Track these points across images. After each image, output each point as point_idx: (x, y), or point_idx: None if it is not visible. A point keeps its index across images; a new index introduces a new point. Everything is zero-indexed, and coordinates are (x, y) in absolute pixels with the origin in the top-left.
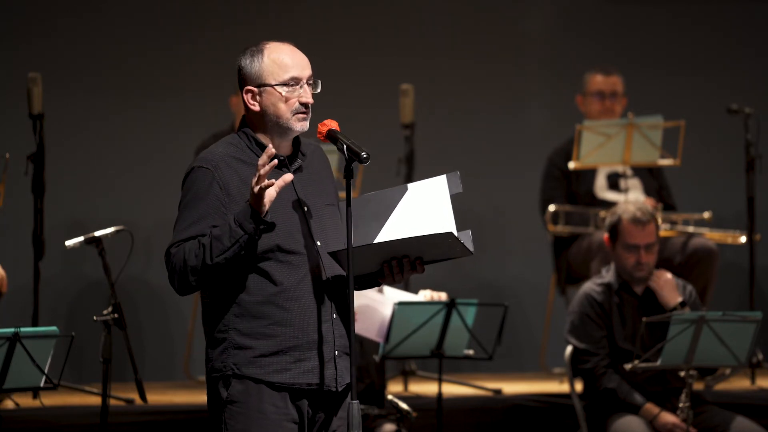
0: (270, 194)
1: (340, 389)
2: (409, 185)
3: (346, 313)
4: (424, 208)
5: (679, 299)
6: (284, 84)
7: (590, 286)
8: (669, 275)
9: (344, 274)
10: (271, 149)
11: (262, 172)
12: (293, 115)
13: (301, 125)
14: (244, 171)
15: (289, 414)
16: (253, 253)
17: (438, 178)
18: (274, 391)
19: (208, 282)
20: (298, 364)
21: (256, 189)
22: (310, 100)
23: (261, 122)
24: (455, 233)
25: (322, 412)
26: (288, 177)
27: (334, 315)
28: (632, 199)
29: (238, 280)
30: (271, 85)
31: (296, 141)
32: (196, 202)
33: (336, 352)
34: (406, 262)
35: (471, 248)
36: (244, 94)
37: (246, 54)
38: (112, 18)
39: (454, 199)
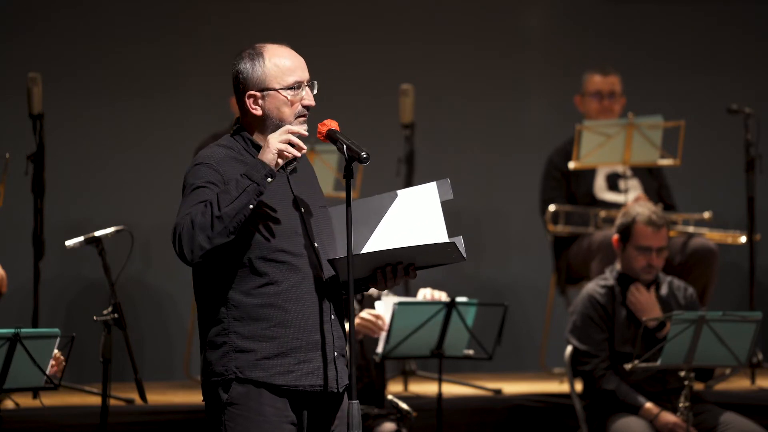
0: (289, 150)
1: (340, 390)
2: (399, 192)
3: (343, 315)
4: (415, 216)
5: (653, 317)
6: (289, 88)
7: (593, 288)
8: (647, 293)
9: (339, 276)
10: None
11: (296, 132)
12: (296, 118)
13: (302, 127)
14: (241, 170)
15: (289, 416)
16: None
17: (428, 185)
18: (274, 394)
19: (216, 242)
20: (300, 365)
21: (281, 139)
22: (313, 103)
23: (261, 125)
24: (455, 242)
25: (321, 413)
26: (304, 131)
27: (333, 316)
28: (632, 199)
29: (236, 281)
30: (276, 89)
31: None
32: (201, 189)
33: (336, 353)
34: (400, 268)
35: (464, 254)
36: (246, 99)
37: (244, 58)
38: (112, 18)
39: (453, 200)
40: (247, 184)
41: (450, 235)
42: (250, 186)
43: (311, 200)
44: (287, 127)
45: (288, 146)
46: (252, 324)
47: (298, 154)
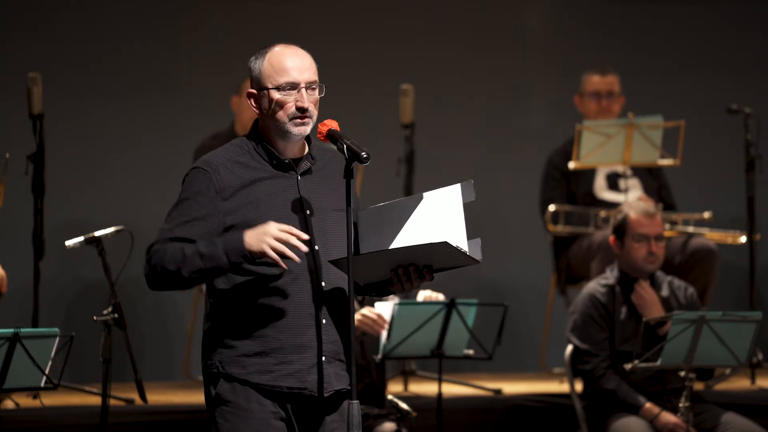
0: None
1: (326, 395)
2: (425, 194)
3: (343, 319)
4: (437, 217)
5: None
6: (279, 88)
7: (595, 287)
8: (652, 292)
9: (345, 279)
10: (302, 235)
11: (291, 239)
12: (290, 119)
13: (298, 130)
14: (244, 173)
15: (277, 412)
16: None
17: (452, 186)
18: (258, 392)
19: (183, 287)
20: (280, 366)
21: (276, 236)
22: (305, 105)
23: (265, 125)
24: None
25: (309, 415)
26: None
27: (324, 320)
28: (632, 199)
29: (228, 278)
30: (268, 89)
31: (310, 144)
32: (189, 203)
33: (324, 358)
34: (413, 270)
35: (478, 257)
36: (248, 98)
37: (253, 56)
38: (112, 18)
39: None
40: (221, 262)
41: (470, 237)
42: (223, 264)
43: (323, 203)
44: (290, 228)
45: (277, 246)
46: (239, 320)
47: (283, 265)
